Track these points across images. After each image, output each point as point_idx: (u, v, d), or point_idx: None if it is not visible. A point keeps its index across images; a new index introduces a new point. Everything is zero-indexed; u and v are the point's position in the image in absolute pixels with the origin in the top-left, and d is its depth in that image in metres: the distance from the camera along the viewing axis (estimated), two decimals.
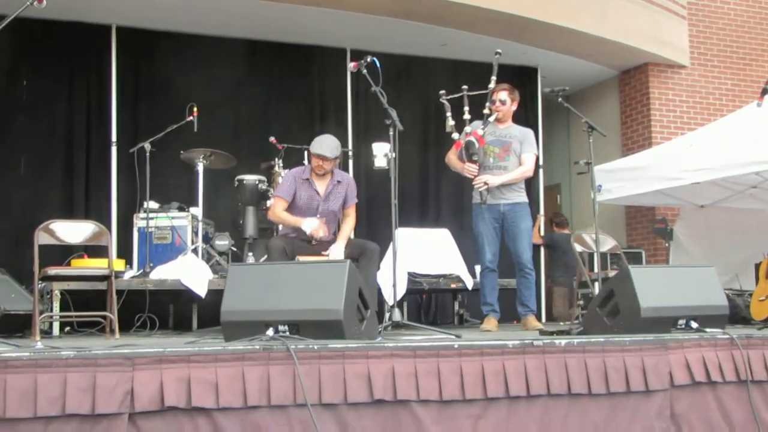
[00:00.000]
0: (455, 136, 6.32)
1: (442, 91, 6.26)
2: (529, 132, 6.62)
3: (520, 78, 9.96)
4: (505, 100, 6.44)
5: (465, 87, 6.24)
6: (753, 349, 4.32)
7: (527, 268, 6.44)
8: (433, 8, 8.51)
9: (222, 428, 3.36)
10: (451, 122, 6.28)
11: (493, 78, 6.31)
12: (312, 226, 5.99)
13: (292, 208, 6.15)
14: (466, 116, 6.30)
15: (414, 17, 8.71)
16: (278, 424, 3.44)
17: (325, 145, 6.09)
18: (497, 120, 6.44)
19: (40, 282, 5.72)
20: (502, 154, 6.41)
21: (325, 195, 6.17)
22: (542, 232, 10.06)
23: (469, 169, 6.30)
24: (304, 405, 3.44)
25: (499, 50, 6.30)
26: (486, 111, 6.37)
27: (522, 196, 6.50)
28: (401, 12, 8.56)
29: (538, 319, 6.71)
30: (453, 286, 7.73)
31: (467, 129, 6.28)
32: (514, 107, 6.58)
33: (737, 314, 6.91)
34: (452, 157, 6.51)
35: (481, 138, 6.27)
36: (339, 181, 6.25)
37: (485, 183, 6.26)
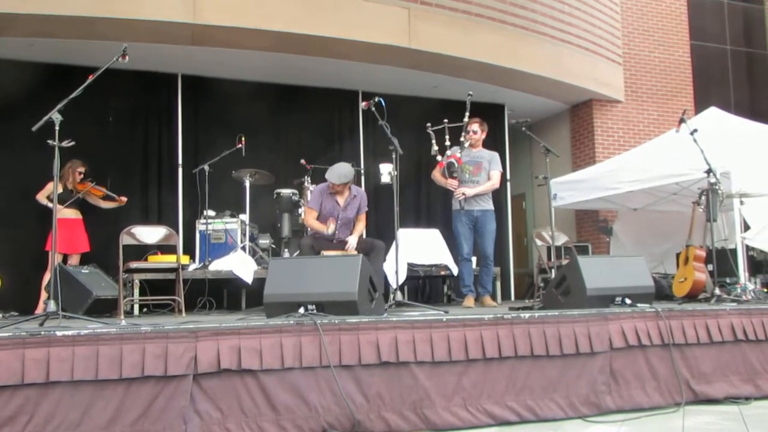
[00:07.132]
0: (439, 158, 6.34)
1: (428, 124, 6.22)
2: (496, 154, 6.66)
3: (491, 112, 9.93)
4: (476, 130, 6.51)
5: (446, 120, 6.20)
6: (673, 319, 4.33)
7: (489, 259, 6.52)
8: (430, 59, 8.49)
9: (265, 385, 3.38)
10: (435, 147, 6.28)
11: (467, 113, 6.28)
12: (330, 224, 6.06)
13: (319, 215, 6.17)
14: (447, 143, 6.27)
15: (414, 67, 8.69)
16: (308, 381, 3.46)
17: (336, 174, 6.05)
18: (470, 145, 6.47)
19: (123, 273, 5.76)
20: (475, 171, 6.44)
21: (344, 206, 6.17)
22: None
23: (451, 183, 6.33)
24: (328, 366, 3.46)
25: (470, 92, 6.25)
26: (462, 139, 6.40)
27: (490, 205, 6.54)
28: (405, 63, 8.55)
29: (493, 298, 6.74)
30: (442, 273, 7.73)
31: (448, 152, 6.29)
32: (484, 135, 6.63)
33: (662, 292, 6.87)
34: (437, 174, 6.51)
35: (459, 159, 6.30)
36: (354, 195, 6.24)
37: (463, 194, 6.29)
